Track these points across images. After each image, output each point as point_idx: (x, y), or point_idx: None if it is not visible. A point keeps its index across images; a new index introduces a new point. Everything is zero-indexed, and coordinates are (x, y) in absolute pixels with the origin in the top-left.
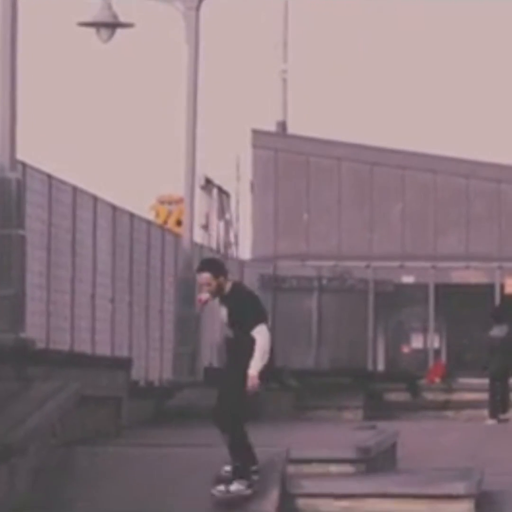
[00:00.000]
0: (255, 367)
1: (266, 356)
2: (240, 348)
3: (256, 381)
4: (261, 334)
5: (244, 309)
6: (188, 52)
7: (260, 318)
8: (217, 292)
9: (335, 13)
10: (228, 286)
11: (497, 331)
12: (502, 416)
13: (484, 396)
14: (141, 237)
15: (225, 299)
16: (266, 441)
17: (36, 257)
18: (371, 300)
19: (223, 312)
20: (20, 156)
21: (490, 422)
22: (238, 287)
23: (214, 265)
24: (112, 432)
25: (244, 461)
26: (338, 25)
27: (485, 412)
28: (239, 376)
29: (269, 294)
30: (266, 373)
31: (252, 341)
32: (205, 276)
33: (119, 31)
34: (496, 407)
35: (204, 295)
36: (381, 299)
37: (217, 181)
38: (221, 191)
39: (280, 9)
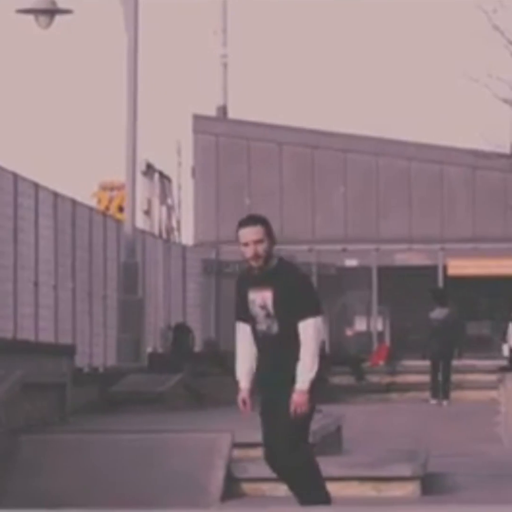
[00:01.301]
0: (304, 378)
1: (317, 361)
2: (292, 350)
3: (305, 399)
4: (312, 330)
5: (299, 292)
6: (127, 38)
7: (316, 308)
8: (267, 259)
9: None
10: (273, 261)
11: (437, 313)
12: (444, 403)
13: (428, 378)
14: (83, 223)
15: (269, 277)
16: (211, 426)
17: None
18: (315, 283)
19: (262, 297)
20: None
21: (433, 401)
22: (288, 262)
23: (264, 220)
24: (57, 420)
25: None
26: (277, 9)
27: (425, 394)
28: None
29: (212, 279)
30: (318, 385)
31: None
32: (258, 229)
33: (58, 18)
34: (437, 387)
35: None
36: (324, 283)
37: (158, 166)
38: (162, 176)
39: None
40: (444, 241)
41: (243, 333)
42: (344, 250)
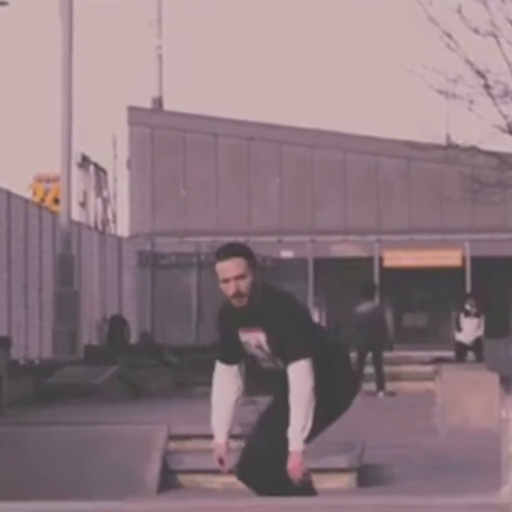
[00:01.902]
0: (297, 437)
1: (311, 414)
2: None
3: (299, 461)
4: (304, 374)
5: (288, 331)
6: (62, 30)
7: (305, 347)
8: (251, 297)
9: None
10: (258, 296)
11: (363, 307)
12: (380, 394)
13: (366, 369)
14: (19, 215)
15: (256, 315)
16: (146, 418)
17: None
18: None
19: (255, 338)
20: None
21: (381, 394)
22: (273, 294)
23: (246, 249)
24: None
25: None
26: (212, 0)
27: (368, 385)
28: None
29: (147, 270)
30: (316, 429)
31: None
32: (239, 262)
33: None
34: (383, 380)
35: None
36: (261, 274)
37: (94, 158)
38: (98, 168)
39: None
40: (380, 232)
41: (221, 375)
42: (279, 241)
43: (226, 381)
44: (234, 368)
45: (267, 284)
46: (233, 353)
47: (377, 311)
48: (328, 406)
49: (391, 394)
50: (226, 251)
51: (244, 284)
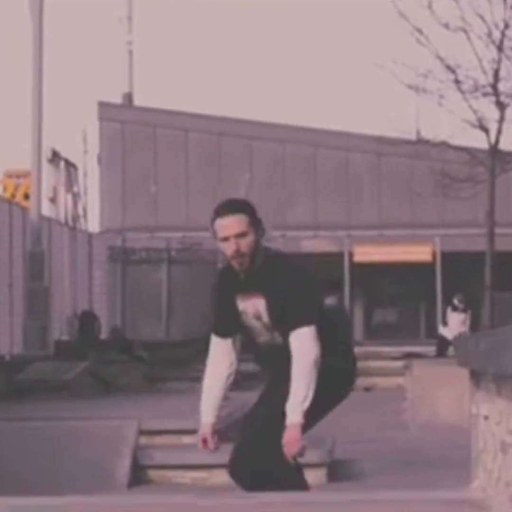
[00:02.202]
0: (296, 409)
1: (313, 384)
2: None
3: (297, 436)
4: (308, 342)
5: (291, 295)
6: (32, 25)
7: (311, 314)
8: (252, 257)
9: None
10: (260, 258)
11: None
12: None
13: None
14: None
15: (257, 280)
16: (117, 413)
17: None
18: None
19: (253, 305)
20: None
21: None
22: (277, 257)
23: (249, 206)
24: None
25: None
26: None
27: None
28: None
29: (118, 266)
30: (311, 419)
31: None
32: (240, 219)
33: None
34: None
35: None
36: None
37: (64, 153)
38: (68, 163)
39: None
40: (350, 228)
41: (214, 350)
42: None
43: (219, 355)
44: (228, 342)
45: (269, 247)
46: (228, 325)
47: (339, 306)
48: (326, 391)
49: (367, 389)
50: (227, 206)
51: (245, 243)
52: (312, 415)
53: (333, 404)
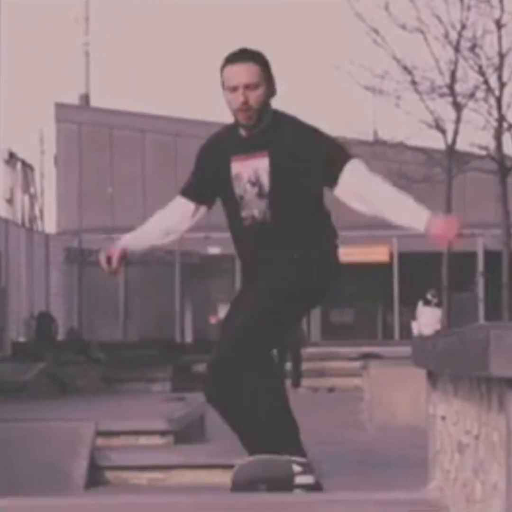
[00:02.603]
0: (420, 208)
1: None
2: (295, 245)
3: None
4: (364, 167)
5: (317, 142)
6: None
7: (345, 149)
8: (260, 115)
9: None
10: (267, 117)
11: None
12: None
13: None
14: None
15: (263, 137)
16: (74, 414)
17: None
18: (178, 271)
19: (252, 167)
20: None
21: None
22: (286, 113)
23: (263, 57)
24: None
25: (288, 433)
26: None
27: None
28: (283, 291)
29: (75, 267)
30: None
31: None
32: (252, 69)
33: None
34: (299, 376)
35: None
36: (188, 271)
37: (21, 155)
38: (25, 165)
39: None
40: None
41: (172, 206)
42: (207, 238)
43: (171, 211)
44: (189, 206)
45: (277, 109)
46: (202, 189)
47: None
48: (310, 285)
49: (331, 390)
50: (240, 53)
51: (255, 96)
52: (295, 312)
53: (315, 301)
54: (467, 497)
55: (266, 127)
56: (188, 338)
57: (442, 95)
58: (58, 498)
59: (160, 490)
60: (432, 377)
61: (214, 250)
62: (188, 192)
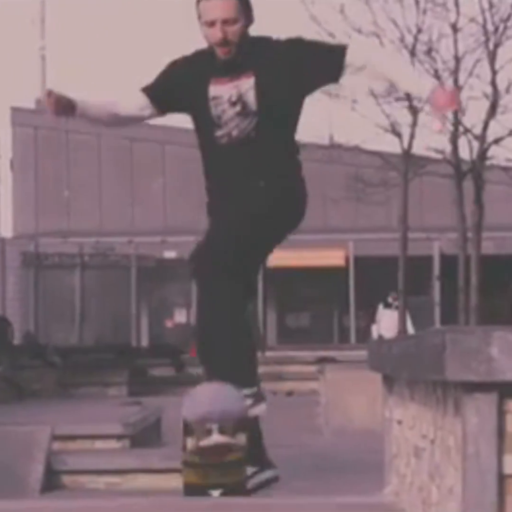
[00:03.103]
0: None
1: None
2: (281, 160)
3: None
4: None
5: (308, 44)
6: None
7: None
8: (239, 47)
9: None
10: (246, 43)
11: None
12: None
13: None
14: None
15: (245, 57)
16: (30, 418)
17: None
18: (134, 275)
19: (235, 87)
20: None
21: None
22: (261, 36)
23: None
24: None
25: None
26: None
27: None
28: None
29: (31, 271)
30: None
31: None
32: (230, 3)
33: None
34: None
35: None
36: (144, 275)
37: None
38: None
39: None
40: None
41: (129, 97)
42: (163, 242)
43: (126, 101)
44: (143, 99)
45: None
46: (163, 96)
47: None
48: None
49: (289, 393)
50: None
51: (233, 31)
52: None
53: (281, 232)
54: (423, 501)
55: (246, 50)
56: (144, 342)
57: (398, 99)
58: (14, 501)
59: (116, 494)
60: (388, 381)
61: (170, 254)
62: (147, 90)
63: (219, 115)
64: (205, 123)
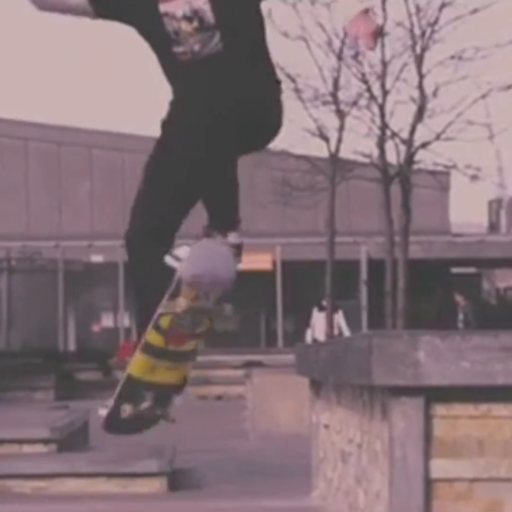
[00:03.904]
0: None
1: None
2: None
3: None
4: None
5: None
6: None
7: None
8: None
9: None
10: None
11: None
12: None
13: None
14: None
15: None
16: None
17: None
18: (61, 280)
19: (184, 2)
20: None
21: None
22: None
23: None
24: None
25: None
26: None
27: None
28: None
29: None
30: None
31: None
32: None
33: None
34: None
35: None
36: (71, 279)
37: None
38: None
39: None
40: (192, 236)
41: None
42: (90, 246)
43: None
44: None
45: None
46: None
47: None
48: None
49: (219, 398)
50: None
51: None
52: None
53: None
54: (350, 505)
55: None
56: (71, 347)
57: (325, 103)
58: None
59: (43, 499)
60: (315, 386)
61: (97, 258)
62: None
63: (176, 31)
64: (160, 39)
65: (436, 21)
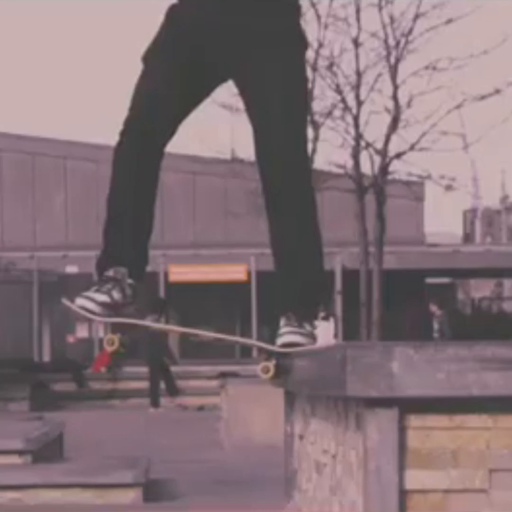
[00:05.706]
0: None
1: None
2: None
3: None
4: None
5: None
6: None
7: None
8: None
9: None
10: None
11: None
12: (151, 409)
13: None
14: None
15: None
16: None
17: None
18: (36, 290)
19: None
20: None
21: (152, 410)
22: None
23: None
24: None
25: None
26: None
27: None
28: None
29: None
30: None
31: None
32: None
33: None
34: (157, 396)
35: None
36: (46, 289)
37: None
38: None
39: None
40: (165, 247)
41: None
42: (65, 256)
43: None
44: None
45: None
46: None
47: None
48: None
49: (200, 408)
50: None
51: None
52: None
53: None
54: None
55: None
56: (46, 357)
57: None
58: None
59: (18, 510)
60: (290, 397)
61: (72, 269)
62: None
63: None
64: None
65: (410, 32)
